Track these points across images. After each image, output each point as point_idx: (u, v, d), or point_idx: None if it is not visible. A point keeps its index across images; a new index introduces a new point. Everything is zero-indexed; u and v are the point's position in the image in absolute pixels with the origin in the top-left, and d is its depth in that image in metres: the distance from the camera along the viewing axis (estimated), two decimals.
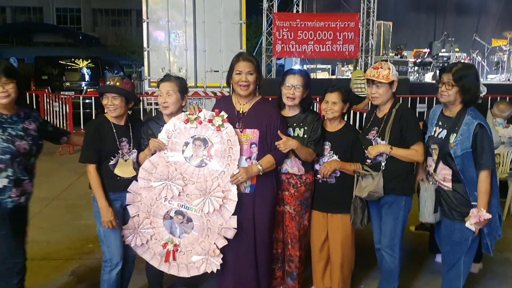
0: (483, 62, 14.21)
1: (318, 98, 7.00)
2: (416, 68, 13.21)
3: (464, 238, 2.85)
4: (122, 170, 2.96)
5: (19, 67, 18.55)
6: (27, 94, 10.76)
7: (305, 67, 14.44)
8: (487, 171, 2.71)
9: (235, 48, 10.49)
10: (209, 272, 3.04)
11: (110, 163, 2.93)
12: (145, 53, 10.44)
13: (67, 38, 32.40)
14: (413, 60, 13.35)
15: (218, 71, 10.54)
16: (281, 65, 13.20)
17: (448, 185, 2.86)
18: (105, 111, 3.02)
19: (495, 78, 13.67)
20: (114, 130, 2.95)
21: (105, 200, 2.89)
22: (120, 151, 2.96)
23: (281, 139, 2.95)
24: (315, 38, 11.54)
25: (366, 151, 3.08)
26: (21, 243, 2.91)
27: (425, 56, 13.59)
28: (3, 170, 2.70)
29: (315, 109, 6.90)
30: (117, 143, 2.95)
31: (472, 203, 2.76)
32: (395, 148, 2.95)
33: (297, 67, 15.24)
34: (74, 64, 13.16)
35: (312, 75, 13.43)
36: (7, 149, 2.69)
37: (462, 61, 13.34)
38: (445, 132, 2.87)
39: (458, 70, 2.75)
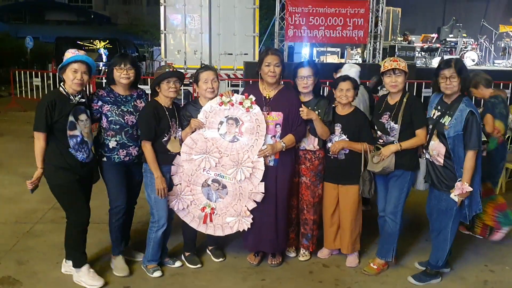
0: (490, 48, 14.48)
1: (328, 82, 7.31)
2: (423, 53, 13.48)
3: (449, 207, 3.33)
4: (173, 146, 3.45)
5: (35, 45, 18.97)
6: (51, 74, 11.29)
7: (315, 50, 14.66)
8: (473, 151, 3.18)
9: (248, 32, 10.78)
10: (241, 230, 3.59)
11: (163, 140, 3.41)
12: (162, 36, 10.71)
13: (79, 17, 32.61)
14: (420, 45, 13.59)
15: (231, 54, 10.83)
16: (290, 46, 13.43)
17: (440, 160, 3.33)
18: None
19: (501, 64, 13.94)
20: (167, 112, 3.43)
21: (160, 172, 3.38)
22: (171, 130, 3.44)
23: (302, 119, 3.50)
24: (326, 23, 11.74)
25: (379, 132, 3.56)
26: (122, 191, 3.52)
27: (433, 41, 13.83)
28: (113, 136, 3.40)
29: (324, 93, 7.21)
30: (170, 122, 3.43)
31: (458, 178, 3.23)
32: (403, 143, 3.41)
33: (306, 50, 15.47)
34: (92, 45, 13.56)
35: (322, 59, 13.75)
36: (118, 121, 3.40)
37: (471, 46, 13.67)
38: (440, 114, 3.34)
39: (456, 63, 3.21)
